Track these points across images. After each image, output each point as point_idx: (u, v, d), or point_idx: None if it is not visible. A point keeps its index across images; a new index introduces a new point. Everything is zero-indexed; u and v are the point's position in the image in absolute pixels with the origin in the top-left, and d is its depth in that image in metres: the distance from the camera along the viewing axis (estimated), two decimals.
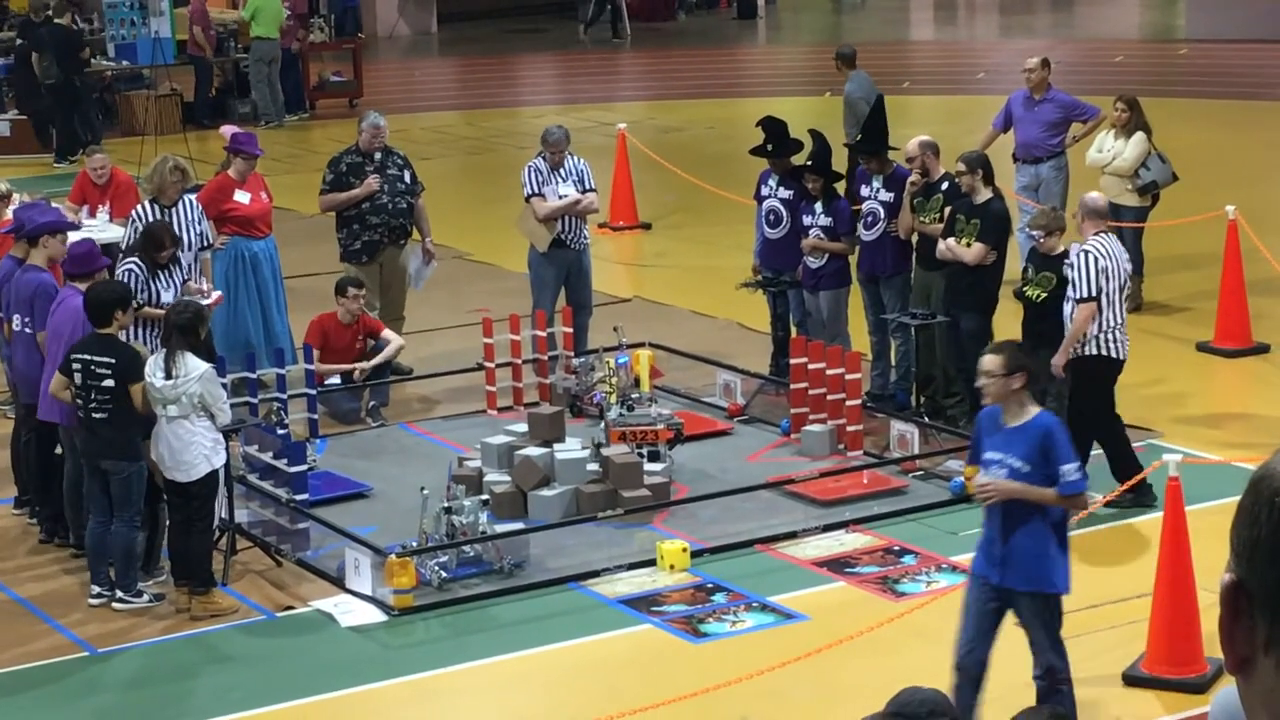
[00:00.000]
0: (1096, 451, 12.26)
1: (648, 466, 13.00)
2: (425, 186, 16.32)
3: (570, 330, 15.34)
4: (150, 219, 14.40)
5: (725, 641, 10.93)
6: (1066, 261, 12.72)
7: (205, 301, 13.96)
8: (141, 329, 13.34)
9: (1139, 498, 12.31)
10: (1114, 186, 16.79)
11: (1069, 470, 9.08)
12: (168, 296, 13.48)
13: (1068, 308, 12.52)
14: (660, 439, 13.33)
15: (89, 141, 25.50)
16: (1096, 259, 12.36)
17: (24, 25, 27.51)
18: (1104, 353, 12.46)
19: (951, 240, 13.72)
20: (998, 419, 9.27)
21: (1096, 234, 12.56)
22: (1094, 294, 12.30)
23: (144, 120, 27.32)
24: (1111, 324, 12.42)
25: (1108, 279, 12.36)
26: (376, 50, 36.48)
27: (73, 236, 13.61)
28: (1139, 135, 16.78)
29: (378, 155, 15.85)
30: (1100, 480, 12.81)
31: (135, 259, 13.57)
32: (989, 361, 9.27)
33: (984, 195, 13.74)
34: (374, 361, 14.94)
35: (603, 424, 13.41)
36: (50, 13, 27.29)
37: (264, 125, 28.15)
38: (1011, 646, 10.75)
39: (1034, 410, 9.25)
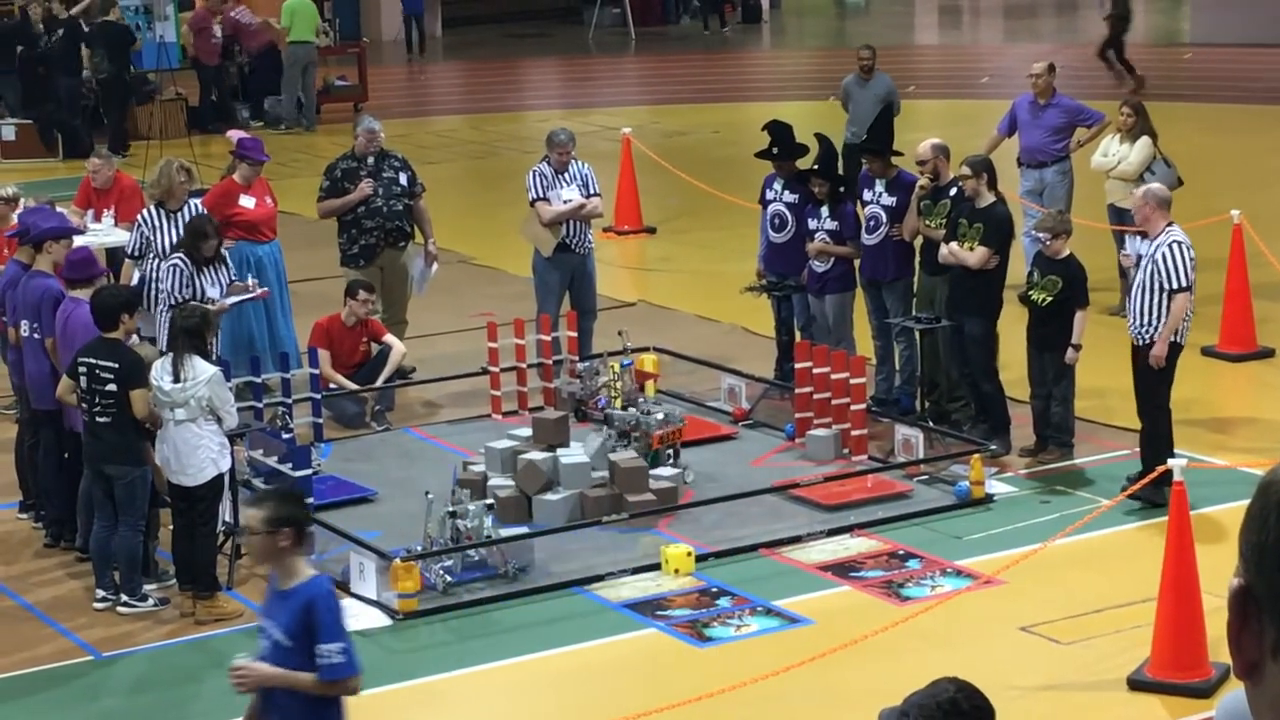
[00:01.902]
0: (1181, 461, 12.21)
1: (665, 469, 13.03)
2: (426, 188, 16.31)
3: (574, 334, 15.35)
4: (156, 223, 14.45)
5: (729, 646, 10.92)
6: (1131, 251, 12.72)
7: (251, 295, 14.06)
8: None
9: (1153, 497, 12.30)
10: (1118, 190, 16.79)
11: (331, 651, 7.53)
12: (213, 293, 13.56)
13: (1141, 299, 12.50)
14: (681, 437, 13.40)
15: (126, 138, 25.91)
16: (1188, 248, 12.49)
17: (74, 23, 27.75)
18: (1176, 339, 12.57)
19: (954, 244, 13.71)
20: (275, 581, 7.79)
21: (1170, 225, 12.63)
22: (1189, 284, 12.43)
23: (149, 125, 27.37)
24: (1191, 312, 12.60)
25: (1194, 268, 12.50)
26: (381, 55, 36.49)
27: (77, 242, 13.62)
28: (1144, 140, 16.78)
29: (371, 159, 15.84)
30: (1103, 486, 12.81)
31: (180, 255, 13.66)
32: (249, 516, 7.90)
33: (987, 199, 13.73)
34: (380, 379, 14.97)
35: (613, 427, 13.41)
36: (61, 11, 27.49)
37: (283, 129, 28.32)
38: (1009, 647, 10.74)
39: (307, 574, 7.68)
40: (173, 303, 13.34)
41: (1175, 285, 12.42)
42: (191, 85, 29.38)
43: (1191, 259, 12.48)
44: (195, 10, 29.30)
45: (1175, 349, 12.63)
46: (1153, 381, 12.63)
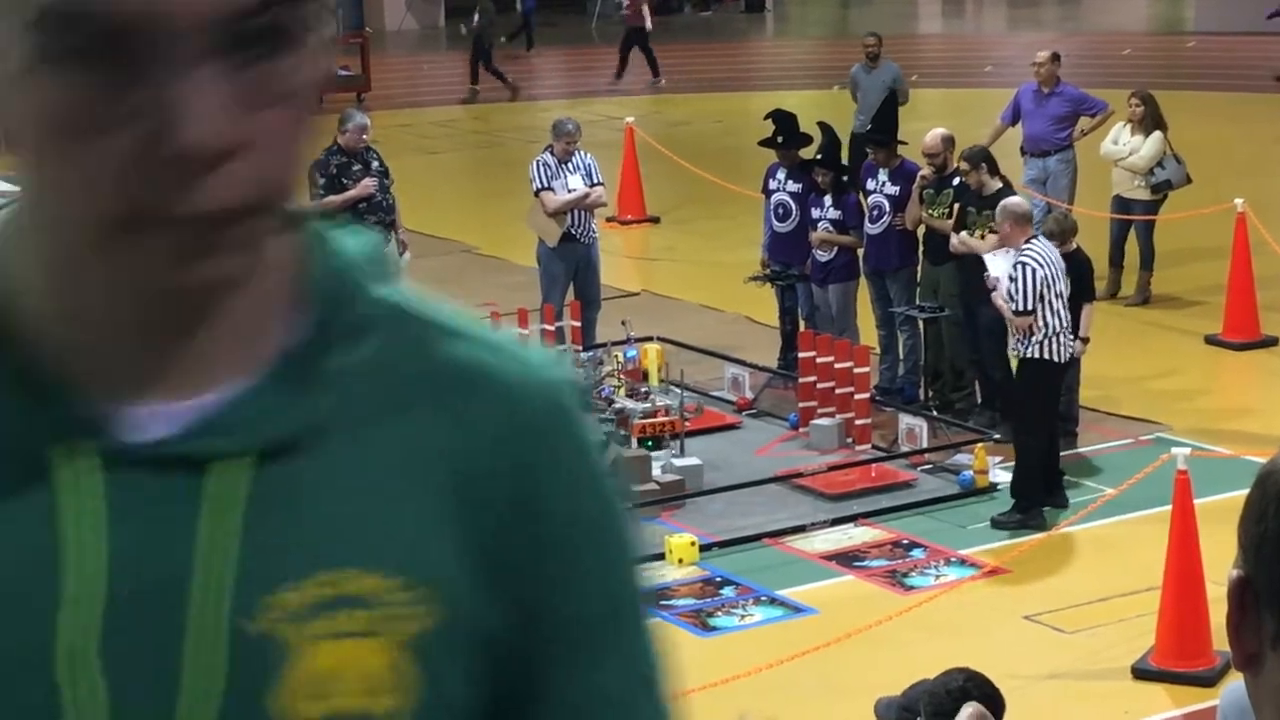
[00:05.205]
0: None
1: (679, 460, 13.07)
2: (394, 179, 16.17)
3: (578, 324, 15.34)
4: None
5: (733, 635, 10.93)
6: (992, 272, 12.48)
7: None
8: None
9: (1052, 499, 12.29)
10: (1126, 181, 16.80)
11: None
12: None
13: (1006, 308, 12.30)
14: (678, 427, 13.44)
15: None
16: (1035, 270, 12.11)
17: None
18: (1047, 356, 12.22)
19: (964, 234, 13.71)
20: None
21: (1028, 240, 12.31)
22: (1031, 308, 12.08)
23: None
24: (1055, 329, 12.17)
25: (1048, 287, 12.13)
26: (384, 44, 36.49)
27: None
28: (1157, 134, 16.76)
29: (374, 162, 15.71)
30: (1107, 475, 12.81)
31: None
32: None
33: (993, 186, 13.74)
34: None
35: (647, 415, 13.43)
36: None
37: None
38: (1013, 636, 10.75)
39: None
40: None
41: (1015, 306, 12.14)
42: None
43: (1040, 279, 12.06)
44: None
45: (1048, 368, 12.29)
46: (1018, 392, 12.41)
